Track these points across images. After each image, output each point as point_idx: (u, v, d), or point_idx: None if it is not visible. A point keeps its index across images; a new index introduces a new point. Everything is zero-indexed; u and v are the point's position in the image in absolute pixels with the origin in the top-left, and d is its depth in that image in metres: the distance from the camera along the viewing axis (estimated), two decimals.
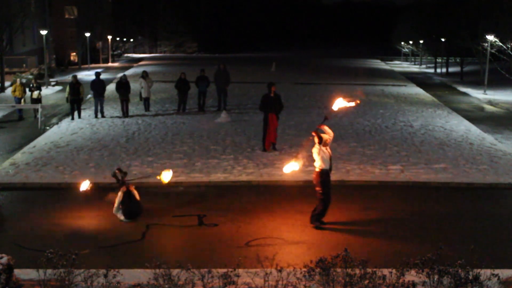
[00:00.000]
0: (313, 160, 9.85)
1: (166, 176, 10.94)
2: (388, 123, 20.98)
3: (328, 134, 9.69)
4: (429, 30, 52.12)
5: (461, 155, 15.57)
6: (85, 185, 10.95)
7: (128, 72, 42.03)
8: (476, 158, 15.24)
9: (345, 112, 23.58)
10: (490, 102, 29.34)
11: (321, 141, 9.52)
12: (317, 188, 9.78)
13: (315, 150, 9.62)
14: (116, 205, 10.26)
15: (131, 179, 11.57)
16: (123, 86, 22.00)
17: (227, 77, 23.63)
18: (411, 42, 64.05)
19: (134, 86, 23.43)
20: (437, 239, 8.94)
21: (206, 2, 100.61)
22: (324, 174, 9.69)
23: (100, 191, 11.61)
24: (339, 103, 9.39)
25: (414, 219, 10.52)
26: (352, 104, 9.49)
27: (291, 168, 9.73)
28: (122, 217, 10.16)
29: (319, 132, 9.63)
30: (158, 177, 11.18)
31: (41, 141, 17.17)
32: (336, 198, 11.78)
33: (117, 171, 10.77)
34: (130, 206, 10.16)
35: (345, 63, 61.54)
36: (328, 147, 9.70)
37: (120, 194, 10.26)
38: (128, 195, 10.23)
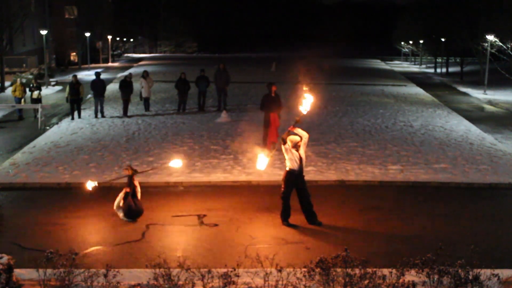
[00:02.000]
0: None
1: (175, 164, 10.90)
2: (388, 123, 20.98)
3: (301, 136, 9.88)
4: (429, 30, 52.10)
5: (461, 155, 15.57)
6: (90, 185, 10.85)
7: (128, 72, 41.96)
8: (476, 158, 15.24)
9: (345, 112, 23.74)
10: (490, 102, 29.34)
11: (285, 143, 9.80)
12: (282, 186, 10.02)
13: (283, 149, 9.93)
14: (116, 202, 10.25)
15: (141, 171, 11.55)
16: (127, 85, 22.00)
17: (227, 77, 23.63)
18: (411, 42, 64.03)
19: (135, 86, 23.43)
20: (437, 239, 8.93)
21: (206, 2, 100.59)
22: (289, 174, 9.91)
23: (101, 192, 11.60)
24: (305, 106, 9.74)
25: (414, 219, 10.52)
26: (308, 96, 9.74)
27: (263, 163, 10.04)
28: (121, 215, 10.14)
29: (290, 134, 9.88)
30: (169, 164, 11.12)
31: (41, 141, 17.17)
32: (336, 198, 11.87)
33: (128, 168, 10.71)
34: (131, 206, 10.15)
35: (345, 63, 61.48)
36: (299, 149, 9.86)
37: (121, 194, 10.26)
38: (131, 195, 10.19)
